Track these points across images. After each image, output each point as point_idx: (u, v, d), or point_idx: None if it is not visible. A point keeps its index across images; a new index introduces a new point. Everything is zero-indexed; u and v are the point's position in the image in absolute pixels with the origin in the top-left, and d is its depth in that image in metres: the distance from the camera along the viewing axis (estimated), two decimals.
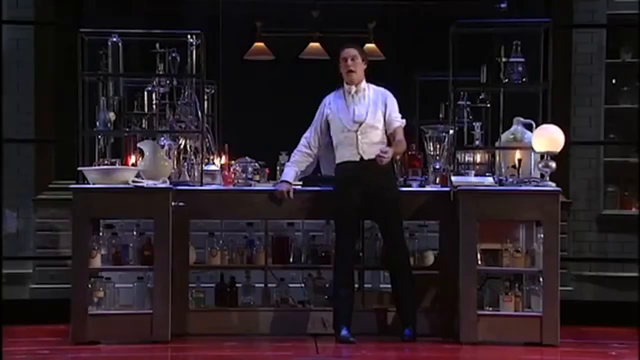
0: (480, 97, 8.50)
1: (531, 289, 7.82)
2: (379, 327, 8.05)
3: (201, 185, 8.02)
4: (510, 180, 7.83)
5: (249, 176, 8.13)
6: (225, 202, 8.02)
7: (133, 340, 7.60)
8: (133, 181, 7.72)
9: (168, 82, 8.26)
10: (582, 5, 9.41)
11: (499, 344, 7.62)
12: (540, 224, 7.74)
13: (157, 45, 8.27)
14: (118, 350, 7.47)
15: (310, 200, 8.00)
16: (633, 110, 9.29)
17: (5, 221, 9.02)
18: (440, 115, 8.91)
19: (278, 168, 8.32)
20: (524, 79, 8.09)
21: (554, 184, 7.79)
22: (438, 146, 8.14)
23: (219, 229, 8.36)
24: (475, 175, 8.05)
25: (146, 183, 7.73)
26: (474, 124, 8.38)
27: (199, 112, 8.16)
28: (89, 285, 7.66)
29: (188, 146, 8.20)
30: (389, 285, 7.98)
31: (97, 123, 8.03)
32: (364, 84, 7.92)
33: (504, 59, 8.12)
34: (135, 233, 7.93)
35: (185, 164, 8.15)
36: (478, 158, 8.31)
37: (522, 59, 8.09)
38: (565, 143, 7.89)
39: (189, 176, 8.10)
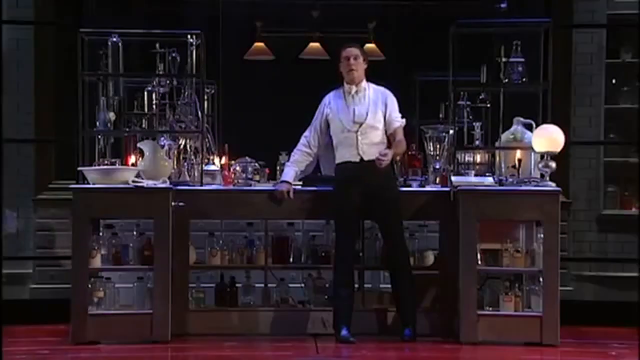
0: (480, 97, 8.49)
1: (531, 289, 7.82)
2: (379, 327, 8.04)
3: (201, 185, 8.02)
4: (510, 180, 7.82)
5: (249, 176, 8.12)
6: (225, 202, 8.02)
7: (133, 340, 7.60)
8: (133, 181, 7.72)
9: (168, 82, 8.26)
10: (582, 5, 9.40)
11: (499, 344, 7.61)
12: (540, 224, 7.74)
13: (157, 45, 8.26)
14: (118, 350, 7.46)
15: (310, 200, 8.00)
16: (633, 110, 9.29)
17: (5, 221, 9.01)
18: (440, 115, 8.90)
19: (278, 168, 8.32)
20: (524, 79, 8.09)
21: (554, 184, 7.79)
22: (438, 146, 8.14)
23: (219, 229, 8.35)
24: (475, 175, 8.05)
25: (146, 183, 7.73)
26: (474, 124, 8.37)
27: (199, 112, 8.16)
28: (89, 285, 7.65)
29: (188, 146, 8.19)
30: (389, 285, 7.97)
31: (97, 123, 8.03)
32: (364, 83, 7.91)
33: (504, 59, 8.11)
34: (135, 233, 7.92)
35: (185, 164, 8.14)
36: (478, 158, 8.30)
37: (522, 59, 8.08)
38: (565, 143, 7.89)
39: (189, 176, 8.10)
